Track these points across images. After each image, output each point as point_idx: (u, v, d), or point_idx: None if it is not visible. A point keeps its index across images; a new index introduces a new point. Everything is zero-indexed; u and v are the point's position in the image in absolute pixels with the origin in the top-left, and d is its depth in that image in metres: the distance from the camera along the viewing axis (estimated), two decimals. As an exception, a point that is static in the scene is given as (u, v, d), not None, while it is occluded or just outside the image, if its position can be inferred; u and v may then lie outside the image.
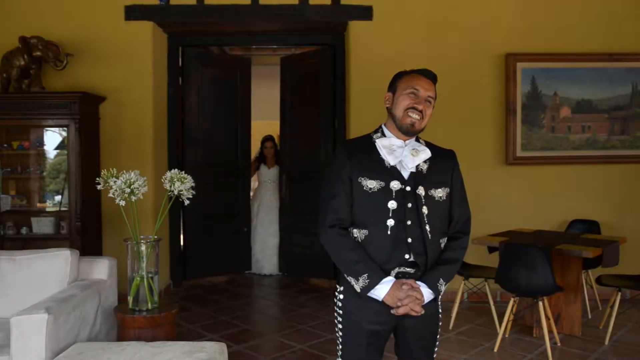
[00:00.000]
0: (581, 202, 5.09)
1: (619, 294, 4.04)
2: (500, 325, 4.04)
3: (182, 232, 5.68)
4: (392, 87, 2.08)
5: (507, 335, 4.10)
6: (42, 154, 4.83)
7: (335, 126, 5.50)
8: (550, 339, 3.80)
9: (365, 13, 4.96)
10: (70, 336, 2.83)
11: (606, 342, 3.98)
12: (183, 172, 3.17)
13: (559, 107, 5.07)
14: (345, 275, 2.00)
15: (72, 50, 4.76)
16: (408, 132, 2.00)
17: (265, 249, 6.26)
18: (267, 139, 6.63)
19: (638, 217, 5.14)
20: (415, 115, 1.98)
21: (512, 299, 3.89)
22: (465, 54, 5.04)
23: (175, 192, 3.08)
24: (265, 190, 6.49)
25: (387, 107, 2.08)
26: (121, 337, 3.04)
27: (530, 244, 3.79)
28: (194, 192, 3.14)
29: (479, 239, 4.35)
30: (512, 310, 3.91)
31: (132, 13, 4.91)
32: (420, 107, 1.99)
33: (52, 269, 3.14)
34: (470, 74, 5.04)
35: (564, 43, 5.05)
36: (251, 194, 6.76)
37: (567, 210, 5.07)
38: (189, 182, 3.11)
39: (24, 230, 4.68)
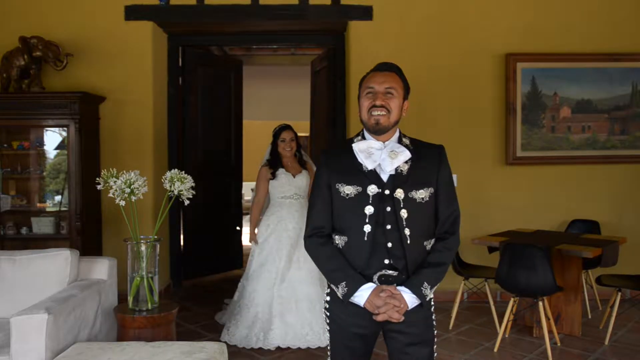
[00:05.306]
0: (581, 202, 5.08)
1: (619, 294, 4.04)
2: (500, 325, 4.04)
3: (182, 232, 5.68)
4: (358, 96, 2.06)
5: (507, 335, 4.10)
6: (42, 154, 4.82)
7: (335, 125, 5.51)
8: (550, 339, 3.80)
9: (365, 13, 4.96)
10: (70, 336, 2.83)
11: (606, 342, 3.98)
12: (183, 172, 3.17)
13: (559, 107, 5.07)
14: (328, 283, 2.05)
15: (72, 50, 4.76)
16: (377, 131, 1.95)
17: (301, 306, 3.89)
18: (284, 127, 4.17)
19: (638, 217, 5.14)
20: (377, 112, 1.93)
21: (512, 299, 3.89)
22: (465, 54, 5.03)
23: (175, 192, 3.08)
24: (288, 211, 4.07)
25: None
26: (121, 337, 3.04)
27: (530, 244, 3.79)
28: (193, 192, 3.14)
29: (479, 238, 4.35)
30: (512, 310, 3.91)
31: (132, 13, 4.91)
32: (379, 103, 1.93)
33: (52, 269, 3.14)
34: (470, 74, 5.04)
35: (564, 43, 5.05)
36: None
37: (567, 210, 5.07)
38: (189, 182, 3.12)
39: (24, 230, 4.68)
